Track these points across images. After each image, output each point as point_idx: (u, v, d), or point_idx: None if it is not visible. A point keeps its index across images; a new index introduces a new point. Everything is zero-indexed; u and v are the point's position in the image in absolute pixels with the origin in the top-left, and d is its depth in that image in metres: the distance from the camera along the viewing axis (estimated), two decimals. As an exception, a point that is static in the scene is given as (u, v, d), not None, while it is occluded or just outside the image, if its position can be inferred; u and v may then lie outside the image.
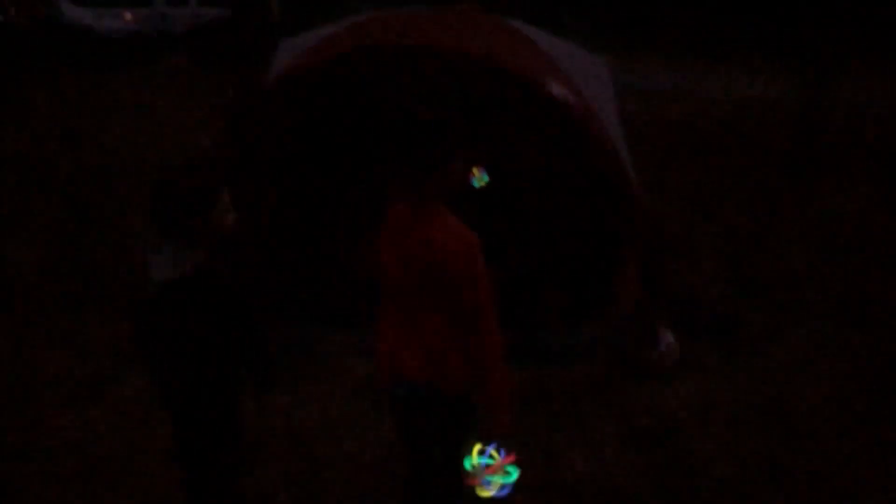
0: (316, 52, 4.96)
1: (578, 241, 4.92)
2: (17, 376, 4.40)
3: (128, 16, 18.88)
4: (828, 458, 3.78)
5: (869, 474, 3.69)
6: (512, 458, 2.37)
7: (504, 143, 4.80)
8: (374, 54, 4.70)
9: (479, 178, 4.65)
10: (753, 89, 14.91)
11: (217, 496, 2.51)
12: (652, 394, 4.31)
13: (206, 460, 2.48)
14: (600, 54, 5.97)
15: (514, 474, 2.36)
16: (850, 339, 5.00)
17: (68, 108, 11.65)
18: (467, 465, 2.38)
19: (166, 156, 9.07)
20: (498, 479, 2.35)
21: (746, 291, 5.68)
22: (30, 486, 3.50)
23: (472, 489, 2.40)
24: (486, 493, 2.36)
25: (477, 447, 2.38)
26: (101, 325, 4.97)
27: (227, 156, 4.87)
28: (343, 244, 5.07)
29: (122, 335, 4.79)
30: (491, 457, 2.36)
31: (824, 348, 4.87)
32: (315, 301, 4.95)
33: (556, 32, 6.17)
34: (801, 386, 4.42)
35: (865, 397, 4.32)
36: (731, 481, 3.61)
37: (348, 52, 4.73)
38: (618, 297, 4.64)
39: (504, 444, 2.37)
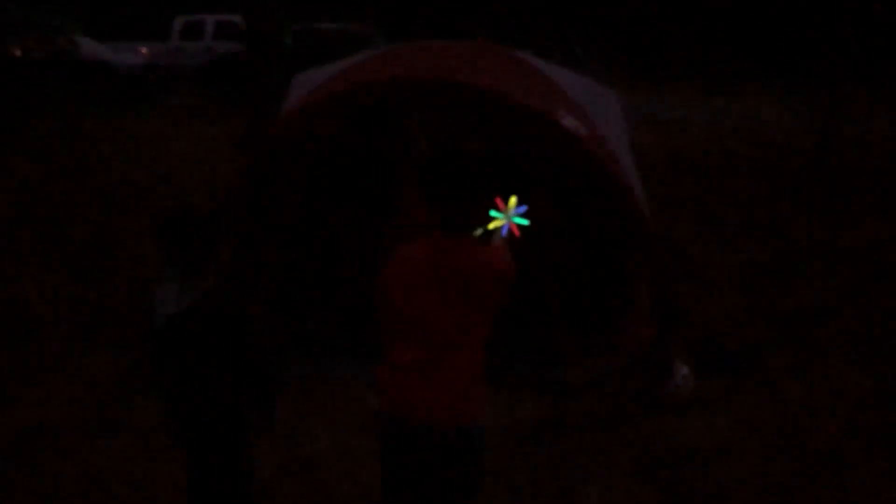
0: (331, 85, 5.00)
1: (591, 273, 4.90)
2: (31, 409, 4.40)
3: (144, 50, 19.14)
4: (848, 494, 3.71)
5: (890, 510, 3.62)
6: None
7: (516, 178, 4.80)
8: (388, 88, 4.73)
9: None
10: (767, 119, 14.92)
11: None
12: (668, 428, 4.25)
13: (217, 491, 2.46)
14: (612, 85, 5.99)
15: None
16: (869, 372, 4.93)
17: (84, 142, 11.77)
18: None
19: (180, 188, 9.13)
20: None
21: (763, 323, 5.62)
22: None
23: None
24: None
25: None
26: (113, 357, 4.96)
27: (244, 188, 4.90)
28: (358, 273, 5.05)
29: (134, 366, 4.79)
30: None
31: (843, 381, 4.80)
32: (326, 330, 4.94)
33: (569, 64, 6.20)
34: (820, 419, 4.35)
35: (886, 432, 4.25)
36: (750, 517, 3.55)
37: (362, 86, 4.76)
38: (631, 330, 4.60)
39: None
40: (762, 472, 3.86)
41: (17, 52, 15.50)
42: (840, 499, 3.68)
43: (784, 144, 12.19)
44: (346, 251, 5.21)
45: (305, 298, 5.04)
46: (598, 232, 4.83)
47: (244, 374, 2.35)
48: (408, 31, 19.88)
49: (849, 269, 6.74)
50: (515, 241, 2.82)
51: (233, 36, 19.27)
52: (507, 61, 5.25)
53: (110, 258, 6.80)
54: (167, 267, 2.36)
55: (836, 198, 9.08)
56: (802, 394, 4.63)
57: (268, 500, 3.61)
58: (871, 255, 7.15)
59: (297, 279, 5.05)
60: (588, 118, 4.89)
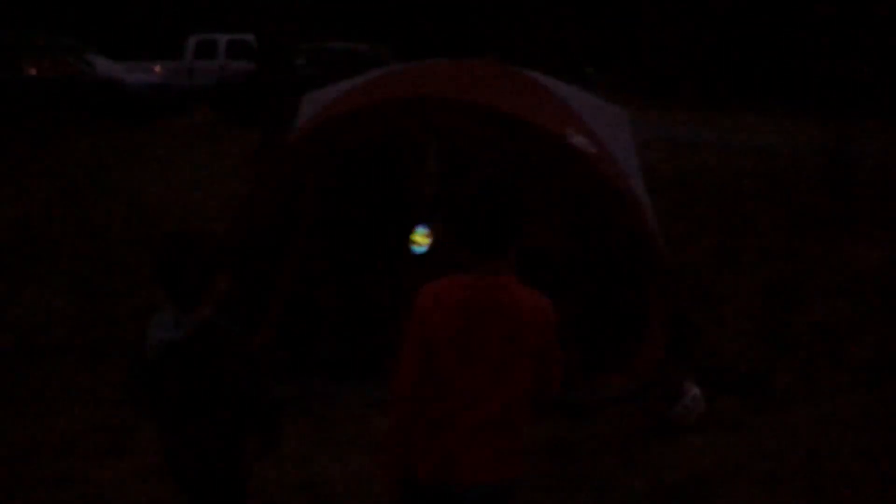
0: (342, 104, 5.01)
1: (601, 293, 4.88)
2: (37, 429, 4.39)
3: (158, 69, 19.30)
4: (861, 519, 3.66)
5: (905, 536, 3.56)
6: None
7: (525, 197, 4.79)
8: (398, 107, 4.73)
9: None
10: (778, 140, 14.88)
11: None
12: (678, 449, 4.21)
13: None
14: (622, 105, 5.98)
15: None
16: (882, 393, 4.87)
17: (97, 161, 11.84)
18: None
19: (191, 209, 9.16)
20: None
21: (774, 345, 5.57)
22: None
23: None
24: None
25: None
26: (120, 378, 4.95)
27: (255, 207, 4.90)
28: (375, 297, 5.05)
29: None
30: None
31: (856, 403, 4.74)
32: (336, 353, 4.92)
33: (578, 84, 6.20)
34: (832, 442, 4.29)
35: (899, 454, 4.19)
36: (761, 542, 3.50)
37: (373, 105, 4.77)
38: (642, 351, 4.57)
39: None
40: (772, 496, 3.81)
41: (33, 72, 15.65)
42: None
43: (793, 165, 12.15)
44: (355, 269, 5.21)
45: (314, 317, 5.03)
46: (608, 252, 4.81)
47: (241, 403, 2.30)
48: (418, 51, 19.99)
49: (861, 291, 6.68)
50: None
51: (245, 54, 19.43)
52: (517, 80, 5.26)
53: (119, 280, 6.81)
54: (165, 294, 2.33)
55: (848, 219, 9.02)
56: (814, 416, 4.58)
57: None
58: (883, 276, 7.08)
59: (307, 298, 5.04)
60: (597, 137, 4.88)
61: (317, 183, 4.89)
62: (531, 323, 2.25)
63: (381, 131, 4.80)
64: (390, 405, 2.35)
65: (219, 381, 2.26)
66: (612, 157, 4.88)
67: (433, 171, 4.83)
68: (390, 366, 2.48)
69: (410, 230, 4.83)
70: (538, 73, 5.59)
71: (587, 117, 5.04)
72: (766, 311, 6.22)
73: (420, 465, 2.28)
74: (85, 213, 8.92)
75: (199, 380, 2.27)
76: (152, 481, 3.84)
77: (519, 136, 4.59)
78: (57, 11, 24.02)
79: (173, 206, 9.22)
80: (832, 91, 10.40)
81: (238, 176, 10.40)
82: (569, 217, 4.85)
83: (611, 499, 3.77)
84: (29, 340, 5.58)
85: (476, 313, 2.25)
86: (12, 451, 4.19)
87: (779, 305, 6.33)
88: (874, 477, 3.98)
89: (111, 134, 14.11)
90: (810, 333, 5.77)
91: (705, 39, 25.01)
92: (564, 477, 3.94)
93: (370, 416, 4.41)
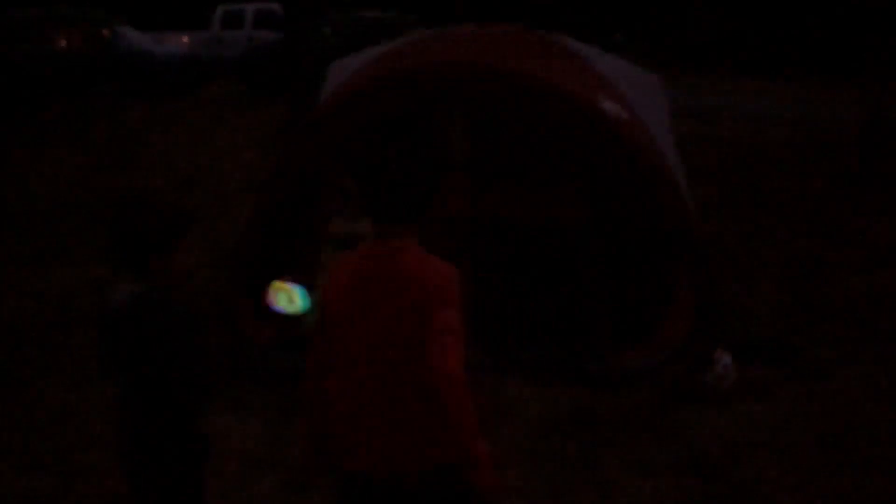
0: (369, 70, 4.97)
1: (630, 263, 4.83)
2: (76, 394, 4.47)
3: (185, 39, 19.33)
4: (895, 488, 3.62)
5: (941, 507, 3.51)
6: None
7: (555, 164, 4.75)
8: (426, 73, 4.69)
9: (292, 301, 3.64)
10: (811, 109, 14.60)
11: None
12: (709, 419, 4.18)
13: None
14: (653, 72, 5.88)
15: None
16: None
17: (128, 132, 11.91)
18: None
19: (220, 180, 9.20)
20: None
21: (807, 315, 5.50)
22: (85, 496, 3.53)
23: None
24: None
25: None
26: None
27: (282, 177, 4.89)
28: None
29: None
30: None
31: (890, 375, 4.68)
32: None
33: (609, 50, 6.10)
34: (864, 412, 4.25)
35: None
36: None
37: (400, 72, 4.73)
38: (671, 320, 4.53)
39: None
40: (802, 467, 3.77)
41: (62, 44, 15.73)
42: (886, 493, 3.58)
43: (826, 135, 11.92)
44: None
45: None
46: (638, 220, 4.75)
47: (172, 376, 2.22)
48: (446, 19, 19.82)
49: (892, 258, 6.57)
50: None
51: (272, 24, 19.39)
52: (547, 46, 5.18)
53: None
54: (118, 267, 2.29)
55: (880, 188, 8.85)
56: (847, 388, 4.52)
57: (301, 495, 3.62)
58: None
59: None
60: (629, 103, 4.80)
61: (345, 150, 4.86)
62: (424, 289, 1.99)
63: (408, 99, 4.76)
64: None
65: (146, 351, 2.20)
66: (644, 125, 4.80)
67: (460, 136, 4.78)
68: None
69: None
70: (570, 39, 5.50)
71: (619, 83, 4.96)
72: (798, 281, 6.14)
73: (344, 455, 2.12)
74: (115, 184, 8.99)
75: (129, 347, 2.22)
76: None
77: (548, 101, 4.53)
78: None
79: (203, 177, 9.26)
80: (867, 60, 10.16)
81: (266, 146, 10.41)
82: (598, 184, 4.80)
83: (640, 468, 3.75)
84: (65, 309, 5.66)
85: (368, 284, 2.04)
86: (50, 415, 4.27)
87: (811, 276, 6.25)
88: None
89: (141, 105, 14.17)
90: (843, 304, 5.69)
91: (737, 5, 24.54)
92: (591, 446, 3.93)
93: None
